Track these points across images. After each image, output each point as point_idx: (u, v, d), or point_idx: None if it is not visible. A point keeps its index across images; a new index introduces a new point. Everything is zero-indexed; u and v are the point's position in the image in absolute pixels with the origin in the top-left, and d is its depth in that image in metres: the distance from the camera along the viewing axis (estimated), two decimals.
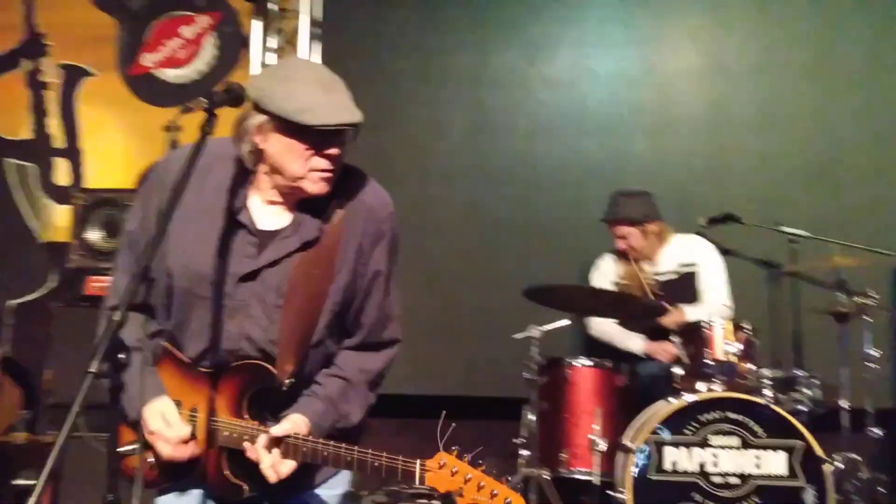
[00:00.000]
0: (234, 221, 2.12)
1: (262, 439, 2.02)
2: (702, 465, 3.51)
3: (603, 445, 3.93)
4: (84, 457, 3.96)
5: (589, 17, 5.64)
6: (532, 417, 4.01)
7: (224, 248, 2.11)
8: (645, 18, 5.62)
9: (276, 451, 2.01)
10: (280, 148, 2.03)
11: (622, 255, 4.62)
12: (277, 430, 2.02)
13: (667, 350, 4.34)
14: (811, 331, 4.94)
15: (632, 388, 4.16)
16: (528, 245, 5.43)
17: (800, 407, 3.89)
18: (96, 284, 4.76)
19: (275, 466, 2.01)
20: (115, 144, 5.93)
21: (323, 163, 2.05)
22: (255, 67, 5.70)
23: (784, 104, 5.42)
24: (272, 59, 5.78)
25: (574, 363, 4.12)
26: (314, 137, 2.01)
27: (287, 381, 2.09)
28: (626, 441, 3.81)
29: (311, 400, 2.14)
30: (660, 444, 3.52)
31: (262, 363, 2.09)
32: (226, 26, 5.93)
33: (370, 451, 2.00)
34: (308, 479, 2.17)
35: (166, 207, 1.88)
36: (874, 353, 3.98)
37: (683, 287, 4.51)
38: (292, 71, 2.08)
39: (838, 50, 5.40)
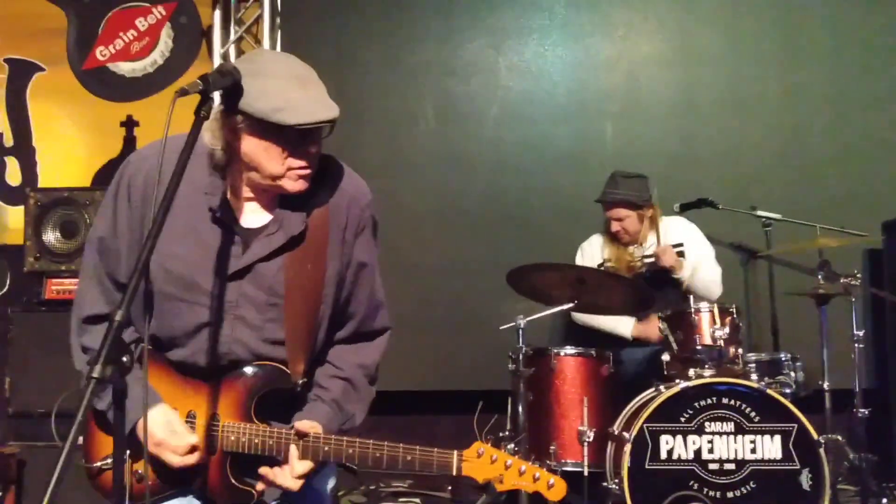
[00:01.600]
0: (215, 220, 2.03)
1: (294, 450, 1.96)
2: (697, 453, 3.48)
3: (591, 436, 3.87)
4: (50, 465, 3.81)
5: (556, 4, 5.56)
6: (519, 410, 3.92)
7: (208, 248, 2.02)
8: (612, 5, 5.57)
9: (293, 451, 1.97)
10: (255, 148, 1.95)
11: (610, 237, 4.57)
12: (301, 426, 1.97)
13: (655, 330, 4.31)
14: (787, 313, 4.97)
15: (616, 375, 4.11)
16: (500, 233, 5.36)
17: (785, 390, 3.89)
18: (56, 288, 4.60)
19: (298, 475, 1.96)
20: (69, 141, 5.73)
21: (300, 162, 1.98)
22: (215, 59, 5.52)
23: (752, 89, 5.41)
24: (233, 50, 5.61)
25: (559, 353, 4.05)
26: (292, 137, 1.93)
27: (301, 382, 2.04)
28: (616, 430, 3.76)
29: (317, 404, 2.09)
30: (655, 433, 3.47)
31: (276, 364, 2.03)
32: (182, 17, 5.74)
33: (400, 445, 1.96)
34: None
35: (160, 209, 1.72)
36: (859, 333, 3.96)
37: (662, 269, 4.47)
38: (263, 65, 1.97)
39: (804, 34, 5.41)
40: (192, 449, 1.97)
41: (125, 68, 5.76)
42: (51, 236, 4.65)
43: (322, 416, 2.04)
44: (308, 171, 2.00)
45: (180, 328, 2.03)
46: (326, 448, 1.96)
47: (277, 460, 1.99)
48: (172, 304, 2.02)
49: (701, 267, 4.41)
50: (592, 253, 4.69)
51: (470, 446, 1.96)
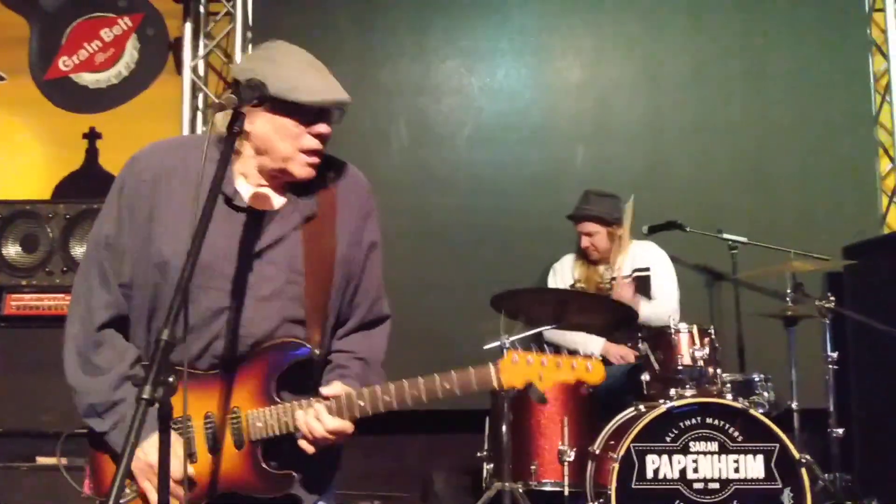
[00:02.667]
0: (230, 205, 2.03)
1: (320, 407, 1.93)
2: (682, 472, 3.51)
3: (571, 455, 3.89)
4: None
5: (529, 28, 5.64)
6: (503, 430, 3.91)
7: (223, 232, 1.99)
8: (583, 29, 5.66)
9: (321, 408, 1.94)
10: (269, 128, 1.99)
11: (581, 258, 4.63)
12: (328, 389, 1.96)
13: (622, 355, 4.38)
14: (753, 334, 5.08)
15: (594, 394, 4.14)
16: (473, 252, 5.38)
17: (759, 410, 3.96)
18: (15, 303, 4.46)
19: (331, 430, 1.93)
20: (30, 153, 5.59)
21: (313, 142, 2.01)
22: (184, 72, 5.44)
23: (718, 113, 5.55)
24: (202, 64, 5.55)
25: None
26: (306, 116, 1.98)
27: (318, 352, 2.02)
28: (597, 449, 3.79)
29: (343, 378, 2.06)
30: (641, 452, 3.50)
31: (288, 339, 2.00)
32: (148, 29, 5.65)
33: (435, 375, 1.96)
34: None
35: (198, 225, 1.74)
36: (832, 354, 4.07)
37: (637, 290, 4.56)
38: (279, 54, 2.04)
39: (769, 60, 5.57)
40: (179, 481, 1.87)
41: (88, 79, 5.65)
42: (11, 250, 4.55)
43: (351, 386, 2.02)
44: (316, 158, 2.03)
45: (197, 315, 1.97)
46: (361, 403, 1.94)
47: None
48: (190, 292, 1.94)
49: (657, 299, 4.54)
50: (564, 273, 4.75)
51: (503, 357, 1.98)
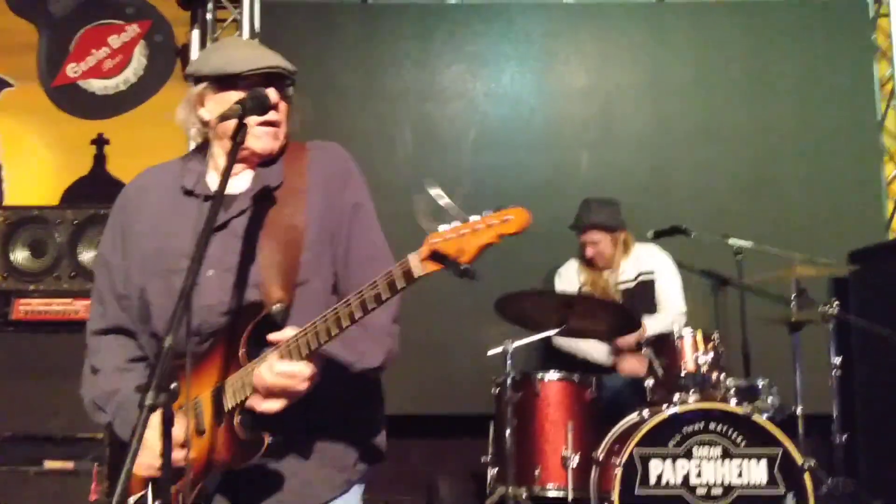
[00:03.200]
0: (189, 196, 2.09)
1: (271, 356, 1.84)
2: (686, 477, 3.52)
3: (575, 461, 3.90)
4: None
5: (533, 34, 5.66)
6: (507, 435, 3.92)
7: (188, 222, 1.99)
8: (588, 35, 5.69)
9: (273, 358, 1.84)
10: (219, 108, 2.00)
11: (586, 263, 4.64)
12: (277, 335, 1.87)
13: (632, 367, 4.39)
14: (757, 339, 5.08)
15: (599, 400, 4.15)
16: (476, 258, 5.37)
17: (763, 415, 3.96)
18: (24, 308, 4.48)
19: (282, 373, 1.82)
20: (38, 159, 5.63)
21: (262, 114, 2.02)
22: None
23: (722, 119, 5.57)
24: None
25: (543, 378, 4.07)
26: (248, 88, 2.00)
27: (277, 307, 1.94)
28: (600, 455, 3.80)
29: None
30: (645, 458, 3.51)
31: (248, 302, 1.97)
32: (156, 35, 5.69)
33: (363, 286, 1.80)
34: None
35: (202, 231, 1.76)
36: (836, 360, 4.07)
37: (641, 294, 4.59)
38: (224, 43, 2.22)
39: (773, 66, 5.59)
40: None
41: (96, 85, 5.69)
42: (19, 255, 4.55)
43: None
44: (273, 128, 2.05)
45: (171, 304, 1.88)
46: (303, 339, 1.82)
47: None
48: (168, 281, 2.01)
49: (662, 306, 4.57)
50: (570, 277, 4.76)
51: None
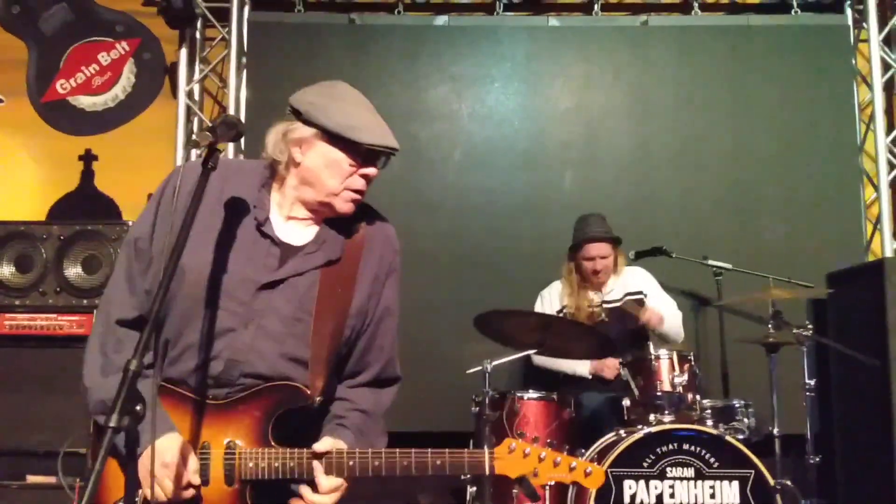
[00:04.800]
0: (258, 232, 2.07)
1: (318, 465, 1.95)
2: (659, 498, 3.56)
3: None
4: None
5: (518, 55, 5.73)
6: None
7: (245, 256, 2.04)
8: (571, 58, 5.75)
9: (318, 467, 1.96)
10: (321, 162, 2.04)
11: (580, 280, 4.66)
12: (320, 446, 1.96)
13: (610, 366, 4.43)
14: (736, 360, 5.14)
15: (577, 419, 4.19)
16: (461, 276, 5.45)
17: (738, 436, 4.00)
18: (9, 323, 4.50)
19: (326, 490, 1.96)
20: (26, 174, 5.66)
21: (360, 182, 2.08)
22: (179, 97, 5.54)
23: (704, 140, 5.63)
24: (197, 88, 5.64)
25: (522, 396, 4.11)
26: (360, 156, 2.05)
27: (318, 399, 2.01)
28: None
29: (339, 429, 2.08)
30: (619, 478, 3.55)
31: (289, 383, 2.01)
32: (145, 53, 5.74)
33: (428, 450, 1.97)
34: None
35: (177, 237, 1.79)
36: (810, 382, 4.12)
37: (624, 316, 4.60)
38: (340, 91, 2.14)
39: (755, 89, 5.66)
40: (188, 486, 1.93)
41: (85, 102, 5.73)
42: (5, 270, 4.57)
43: (344, 439, 2.03)
44: (359, 197, 2.09)
45: (193, 336, 2.00)
46: (351, 462, 1.95)
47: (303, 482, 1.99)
48: (197, 306, 2.00)
49: (668, 315, 4.56)
50: (552, 300, 4.79)
51: (501, 444, 1.96)
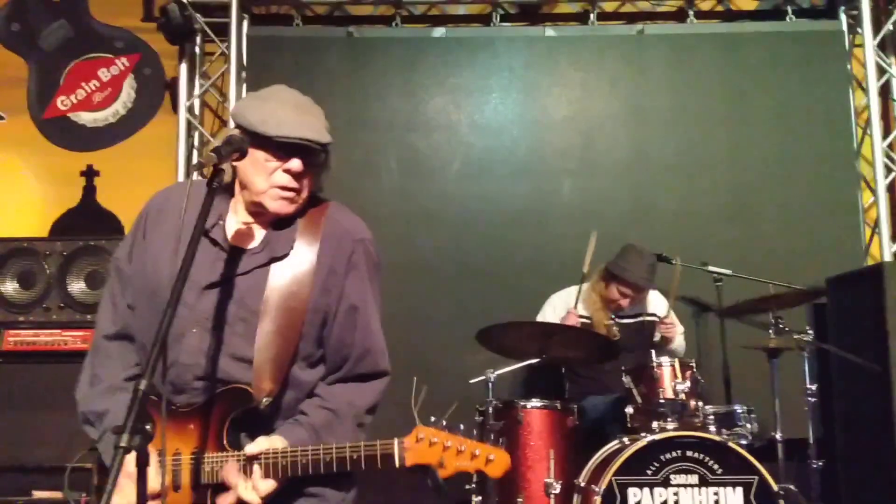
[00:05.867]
0: (207, 238, 2.09)
1: (232, 464, 1.95)
2: None
3: (558, 488, 3.94)
4: None
5: (515, 65, 5.77)
6: None
7: (190, 258, 1.97)
8: (568, 67, 5.79)
9: (256, 470, 1.95)
10: (247, 162, 2.05)
11: (595, 298, 4.68)
12: (252, 447, 1.96)
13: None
14: (738, 366, 5.15)
15: (581, 427, 4.20)
16: (461, 285, 5.47)
17: (741, 441, 4.02)
18: (13, 339, 4.52)
19: (255, 487, 1.94)
20: (28, 191, 5.69)
21: (284, 178, 2.05)
22: (180, 111, 5.58)
23: (701, 147, 5.66)
24: (197, 103, 5.68)
25: (526, 405, 4.13)
26: (276, 150, 2.03)
27: (265, 400, 2.00)
28: (582, 482, 3.85)
29: (293, 427, 2.07)
30: (623, 486, 3.57)
31: (238, 385, 2.01)
32: (145, 68, 5.78)
33: (347, 444, 1.93)
34: None
35: (181, 268, 1.81)
36: (811, 386, 4.15)
37: (640, 332, 4.67)
38: (272, 94, 2.12)
39: (751, 96, 5.70)
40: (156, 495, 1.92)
41: (86, 118, 5.76)
42: (9, 286, 4.59)
43: (295, 438, 2.02)
44: (290, 193, 2.07)
45: (150, 340, 1.98)
46: (284, 462, 1.94)
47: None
48: (151, 312, 2.02)
49: (679, 332, 4.74)
50: (565, 304, 4.76)
51: (410, 433, 1.90)
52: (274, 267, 2.08)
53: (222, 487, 1.98)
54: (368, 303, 2.18)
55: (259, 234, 2.13)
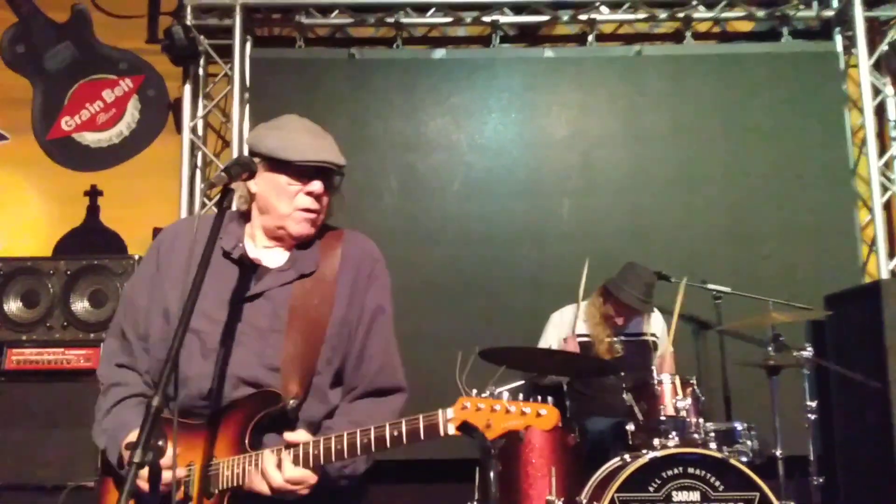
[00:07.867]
0: (228, 259, 2.17)
1: (268, 457, 1.95)
2: None
3: None
4: None
5: (515, 86, 5.83)
6: (490, 479, 3.97)
7: (221, 281, 2.13)
8: (568, 87, 5.85)
9: (287, 462, 1.95)
10: (267, 186, 2.15)
11: (596, 315, 4.71)
12: (292, 437, 1.99)
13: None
14: (737, 383, 5.17)
15: (582, 445, 4.21)
16: (462, 304, 5.49)
17: (742, 458, 4.03)
18: (17, 358, 4.54)
19: (290, 479, 1.94)
20: (32, 210, 5.72)
21: (307, 201, 2.16)
22: (183, 132, 5.63)
23: (699, 167, 5.71)
24: (200, 123, 5.73)
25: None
26: (297, 174, 2.14)
27: (292, 402, 2.06)
28: (584, 500, 3.85)
29: (320, 439, 2.08)
30: (625, 502, 3.58)
31: (263, 389, 2.05)
32: (149, 90, 5.84)
33: (386, 423, 1.93)
34: None
35: (191, 288, 1.86)
36: (812, 403, 4.17)
37: (641, 351, 4.69)
38: (285, 122, 2.23)
39: (748, 115, 5.75)
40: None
41: (90, 138, 5.81)
42: (12, 305, 4.61)
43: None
44: (312, 215, 2.18)
45: (185, 358, 2.06)
46: (315, 451, 1.95)
47: None
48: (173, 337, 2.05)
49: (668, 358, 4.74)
50: (563, 326, 4.78)
51: (455, 403, 1.90)
52: (297, 283, 2.16)
53: (241, 493, 1.99)
54: (388, 312, 2.29)
55: (283, 254, 2.21)
